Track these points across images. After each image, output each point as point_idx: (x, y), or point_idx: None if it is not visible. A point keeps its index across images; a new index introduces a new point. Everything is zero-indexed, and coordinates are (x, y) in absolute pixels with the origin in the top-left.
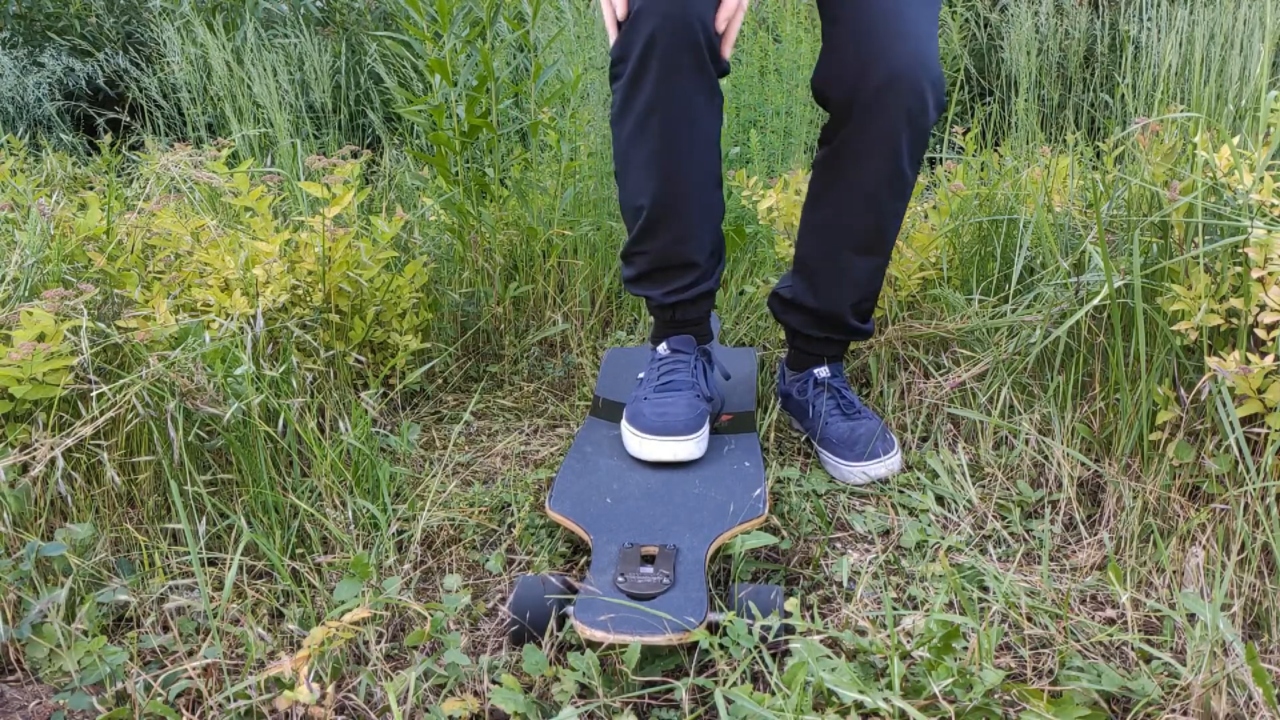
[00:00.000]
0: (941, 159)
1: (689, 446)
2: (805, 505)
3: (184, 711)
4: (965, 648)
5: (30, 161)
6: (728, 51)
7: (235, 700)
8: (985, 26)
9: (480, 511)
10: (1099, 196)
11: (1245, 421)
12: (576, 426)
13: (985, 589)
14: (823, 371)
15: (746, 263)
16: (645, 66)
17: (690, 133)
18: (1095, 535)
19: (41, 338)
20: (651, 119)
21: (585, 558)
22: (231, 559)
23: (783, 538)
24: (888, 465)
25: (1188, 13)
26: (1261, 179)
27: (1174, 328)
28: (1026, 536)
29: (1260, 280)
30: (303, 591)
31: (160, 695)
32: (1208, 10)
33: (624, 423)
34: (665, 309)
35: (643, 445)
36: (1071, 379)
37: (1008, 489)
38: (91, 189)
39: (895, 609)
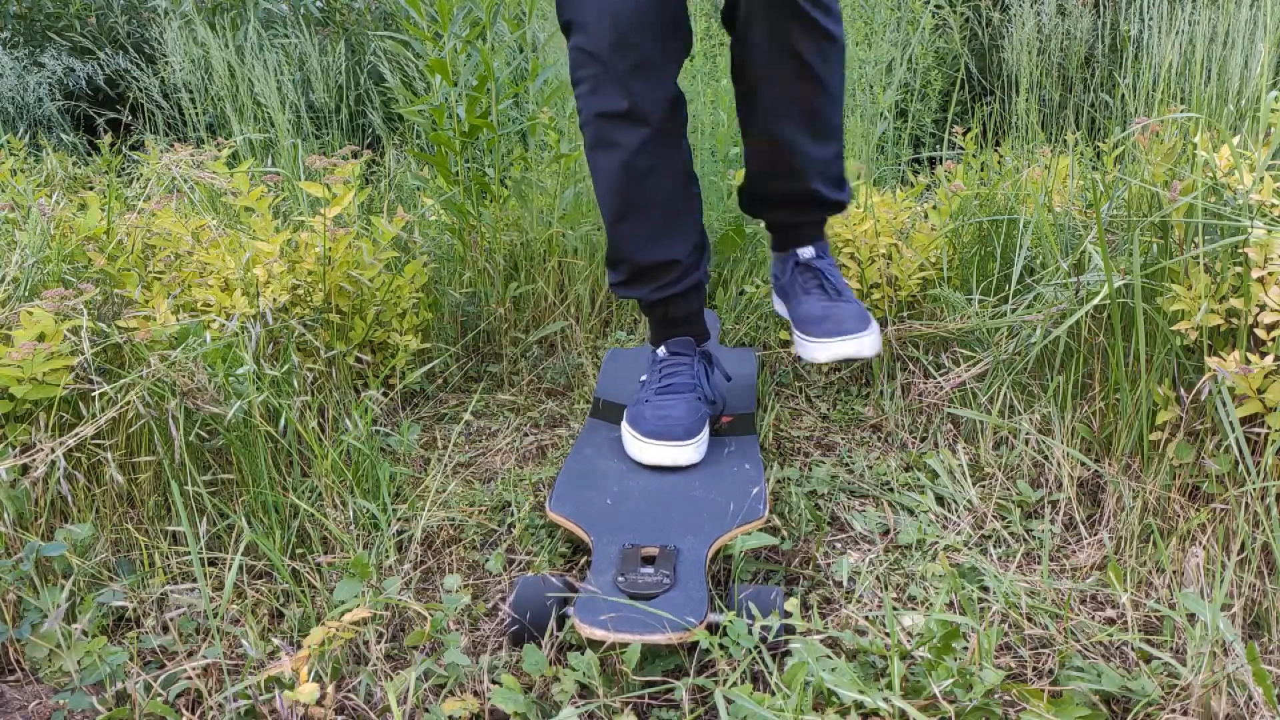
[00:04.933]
0: (941, 159)
1: (689, 451)
2: (805, 505)
3: (184, 711)
4: (965, 648)
5: (30, 161)
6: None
7: (235, 700)
8: (987, 26)
9: (480, 511)
10: (1099, 196)
11: (1245, 421)
12: (577, 426)
13: (985, 589)
14: (806, 252)
15: (746, 263)
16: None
17: (654, 147)
18: (1095, 535)
19: (42, 338)
20: (614, 134)
21: (585, 558)
22: (232, 559)
23: (783, 538)
24: (859, 344)
25: (1188, 13)
26: (1261, 179)
27: (1174, 328)
28: (1026, 536)
29: (1260, 280)
30: (303, 591)
31: (160, 695)
32: (1208, 10)
33: (624, 425)
34: (656, 306)
35: (643, 449)
36: (1071, 379)
37: (1008, 489)
38: (91, 189)
39: (895, 609)
